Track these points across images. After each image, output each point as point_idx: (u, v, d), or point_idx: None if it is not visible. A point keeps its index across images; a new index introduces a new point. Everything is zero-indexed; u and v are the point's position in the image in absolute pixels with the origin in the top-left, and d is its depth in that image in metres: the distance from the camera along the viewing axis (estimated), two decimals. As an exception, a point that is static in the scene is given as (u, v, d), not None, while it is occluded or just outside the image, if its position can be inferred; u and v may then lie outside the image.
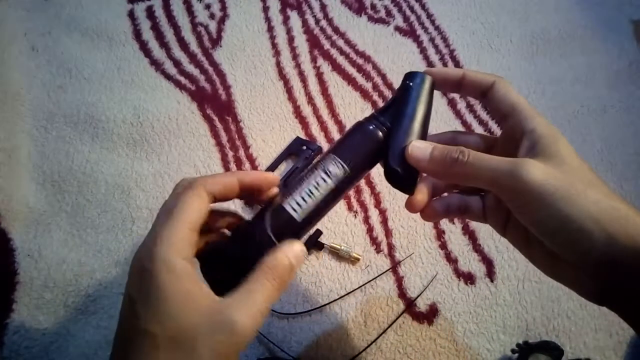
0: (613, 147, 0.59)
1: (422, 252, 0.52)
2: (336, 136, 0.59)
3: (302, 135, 0.58)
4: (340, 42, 0.66)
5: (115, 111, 0.59)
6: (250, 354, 0.46)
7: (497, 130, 0.61)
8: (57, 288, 0.48)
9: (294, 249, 0.27)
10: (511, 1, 0.70)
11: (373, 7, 0.69)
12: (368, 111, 0.61)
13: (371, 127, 0.30)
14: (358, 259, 0.51)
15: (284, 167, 0.56)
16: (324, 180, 0.29)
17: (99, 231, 0.52)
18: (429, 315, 0.49)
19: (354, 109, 0.61)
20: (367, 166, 0.30)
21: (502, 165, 0.25)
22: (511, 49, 0.67)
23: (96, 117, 0.58)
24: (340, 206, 0.54)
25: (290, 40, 0.66)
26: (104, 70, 0.62)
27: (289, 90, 0.62)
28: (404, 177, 0.28)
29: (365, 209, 0.54)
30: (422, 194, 0.30)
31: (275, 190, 0.30)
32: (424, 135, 0.29)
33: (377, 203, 0.54)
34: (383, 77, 0.64)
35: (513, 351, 0.46)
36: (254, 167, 0.56)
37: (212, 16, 0.67)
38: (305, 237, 0.44)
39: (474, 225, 0.54)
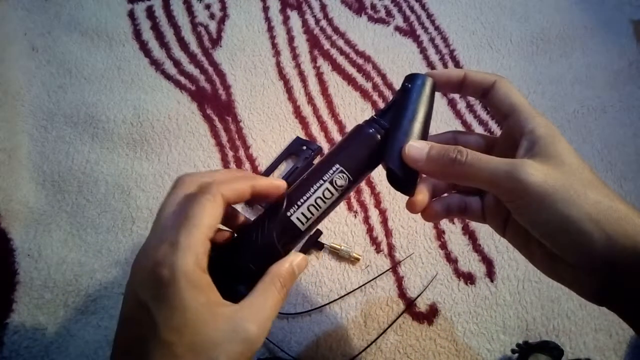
0: (613, 147, 0.59)
1: (422, 252, 0.52)
2: (336, 136, 0.59)
3: (302, 135, 0.58)
4: (340, 42, 0.66)
5: (115, 111, 0.59)
6: (250, 354, 0.46)
7: (497, 130, 0.61)
8: (57, 288, 0.48)
9: (298, 259, 0.28)
10: (511, 1, 0.70)
11: (373, 7, 0.69)
12: (368, 111, 0.61)
13: (371, 131, 0.29)
14: (358, 259, 0.51)
15: (284, 167, 0.56)
16: (330, 193, 0.29)
17: (99, 231, 0.52)
18: (429, 315, 0.49)
19: (354, 109, 0.61)
20: (368, 171, 0.30)
21: (501, 166, 0.25)
22: (511, 49, 0.67)
23: (96, 117, 0.58)
24: (340, 206, 0.54)
25: (290, 40, 0.66)
26: (104, 70, 0.62)
27: (289, 90, 0.62)
28: (403, 178, 0.28)
29: (365, 209, 0.54)
30: (422, 194, 0.30)
31: (280, 193, 0.30)
32: (424, 137, 0.29)
33: (377, 203, 0.54)
34: (383, 77, 0.64)
35: (513, 351, 0.46)
36: (254, 167, 0.57)
37: (212, 16, 0.67)
38: (305, 237, 0.44)
39: (474, 225, 0.54)
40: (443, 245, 0.52)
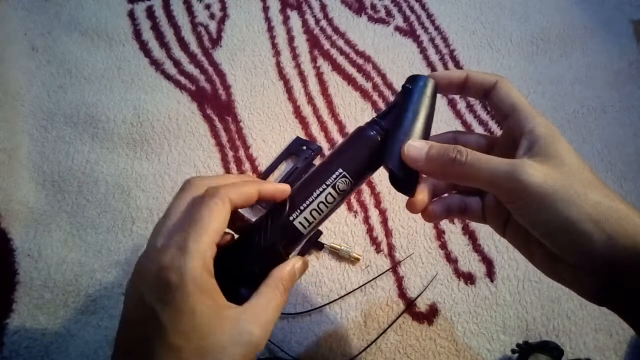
0: (613, 147, 0.59)
1: (422, 252, 0.52)
2: (336, 136, 0.59)
3: (302, 135, 0.58)
4: (340, 42, 0.66)
5: (115, 111, 0.59)
6: (250, 354, 0.46)
7: (497, 131, 0.61)
8: (57, 288, 0.48)
9: (300, 263, 0.29)
10: (511, 1, 0.70)
11: (373, 7, 0.69)
12: (368, 111, 0.61)
13: (372, 133, 0.29)
14: (358, 259, 0.51)
15: (284, 167, 0.56)
16: (333, 197, 0.29)
17: (99, 231, 0.52)
18: (429, 315, 0.49)
19: (354, 109, 0.61)
20: (369, 173, 0.31)
21: (501, 166, 0.25)
22: (511, 49, 0.67)
23: (96, 117, 0.58)
24: (340, 206, 0.54)
25: (290, 40, 0.66)
26: (104, 70, 0.62)
27: (289, 90, 0.62)
28: (403, 178, 0.28)
29: (365, 209, 0.54)
30: (422, 194, 0.30)
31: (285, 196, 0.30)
32: (425, 138, 0.29)
33: (377, 203, 0.54)
34: (383, 77, 0.64)
35: (513, 351, 0.46)
36: (254, 167, 0.57)
37: (212, 16, 0.67)
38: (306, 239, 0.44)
39: (474, 225, 0.54)
40: (443, 245, 0.52)
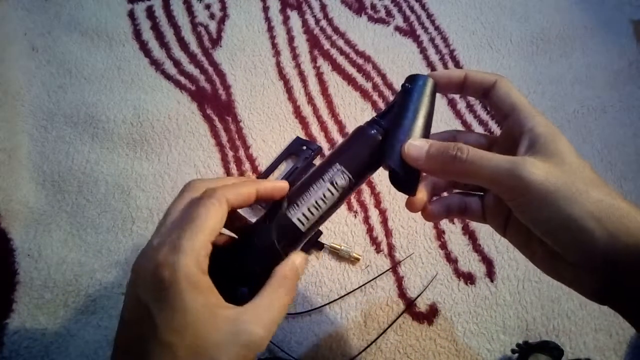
0: (613, 147, 0.59)
1: (422, 252, 0.52)
2: (336, 136, 0.59)
3: (302, 135, 0.58)
4: (340, 42, 0.66)
5: (115, 111, 0.59)
6: (250, 354, 0.46)
7: (498, 131, 0.61)
8: (57, 288, 0.48)
9: (300, 260, 0.28)
10: (511, 1, 0.70)
11: (373, 7, 0.69)
12: (368, 111, 0.61)
13: (373, 132, 0.29)
14: (358, 259, 0.51)
15: (284, 167, 0.56)
16: (331, 193, 0.29)
17: (99, 231, 0.52)
18: (429, 315, 0.49)
19: (354, 109, 0.61)
20: (369, 172, 0.30)
21: (503, 163, 0.25)
22: (511, 49, 0.67)
23: (96, 117, 0.58)
24: (340, 206, 0.54)
25: (290, 40, 0.66)
26: (104, 70, 0.62)
27: (289, 90, 0.62)
28: (404, 177, 0.28)
29: (365, 209, 0.54)
30: (421, 193, 0.30)
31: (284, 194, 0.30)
32: (425, 137, 0.29)
33: (377, 203, 0.54)
34: (383, 77, 0.64)
35: (513, 351, 0.46)
36: (254, 167, 0.57)
37: (212, 16, 0.67)
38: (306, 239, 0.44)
39: (474, 225, 0.54)
40: (443, 245, 0.52)
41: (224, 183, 0.28)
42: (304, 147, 0.56)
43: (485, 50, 0.67)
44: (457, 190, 0.34)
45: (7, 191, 0.53)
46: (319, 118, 0.60)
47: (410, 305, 0.49)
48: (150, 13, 0.67)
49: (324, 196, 0.29)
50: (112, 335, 0.25)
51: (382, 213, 0.54)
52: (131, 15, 0.67)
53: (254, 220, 0.30)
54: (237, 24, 0.67)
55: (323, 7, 0.69)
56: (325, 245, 0.51)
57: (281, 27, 0.67)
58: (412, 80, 0.30)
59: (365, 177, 0.31)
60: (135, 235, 0.52)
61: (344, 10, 0.69)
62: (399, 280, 0.50)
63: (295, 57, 0.65)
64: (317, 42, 0.66)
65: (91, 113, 0.58)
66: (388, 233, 0.53)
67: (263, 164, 0.57)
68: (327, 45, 0.66)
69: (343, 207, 0.54)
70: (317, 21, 0.68)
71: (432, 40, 0.67)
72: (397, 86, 0.63)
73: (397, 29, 0.68)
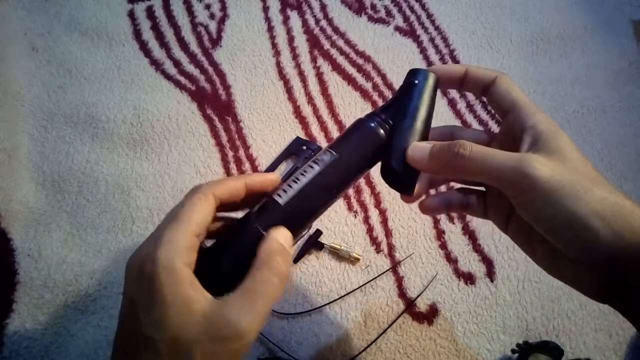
0: (613, 147, 0.59)
1: (422, 252, 0.52)
2: (336, 136, 0.58)
3: (302, 135, 0.58)
4: (340, 42, 0.66)
5: (115, 111, 0.59)
6: (250, 354, 0.46)
7: (497, 130, 0.61)
8: (57, 288, 0.48)
9: (280, 232, 0.26)
10: (511, 1, 0.70)
11: (373, 7, 0.69)
12: (368, 111, 0.60)
13: (372, 124, 0.29)
14: (358, 259, 0.51)
15: (284, 167, 0.56)
16: (311, 167, 0.28)
17: (99, 231, 0.52)
18: (429, 315, 0.49)
19: (354, 109, 0.61)
20: (365, 163, 0.30)
21: (507, 160, 0.25)
22: (511, 49, 0.67)
23: (96, 117, 0.58)
24: (340, 206, 0.54)
25: (290, 40, 0.66)
26: (104, 70, 0.62)
27: (289, 90, 0.62)
28: (404, 177, 0.28)
29: (365, 209, 0.54)
30: (418, 185, 0.30)
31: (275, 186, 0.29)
32: (426, 135, 0.29)
33: (377, 203, 0.54)
34: (383, 77, 0.64)
35: (513, 351, 0.46)
36: (254, 167, 0.57)
37: (212, 16, 0.67)
38: (305, 237, 0.44)
39: (474, 225, 0.54)
40: (443, 245, 0.52)
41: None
42: (304, 147, 0.56)
43: (485, 50, 0.67)
44: (459, 187, 0.34)
45: (7, 191, 0.53)
46: (319, 118, 0.60)
47: (410, 305, 0.49)
48: (150, 13, 0.67)
49: (304, 170, 0.28)
50: (112, 335, 0.25)
51: (382, 213, 0.54)
52: (131, 15, 0.67)
53: None
54: (237, 24, 0.67)
55: (323, 7, 0.69)
56: (325, 245, 0.51)
57: (281, 27, 0.67)
58: (414, 75, 0.30)
59: (360, 164, 0.29)
60: (135, 235, 0.52)
61: (344, 10, 0.69)
62: (399, 280, 0.50)
63: (295, 57, 0.65)
64: (317, 42, 0.66)
65: (91, 113, 0.58)
66: (388, 233, 0.53)
67: (263, 164, 0.57)
68: (327, 45, 0.66)
69: (343, 207, 0.54)
70: (317, 21, 0.68)
71: (432, 40, 0.67)
72: (397, 86, 0.63)
73: (397, 29, 0.68)
